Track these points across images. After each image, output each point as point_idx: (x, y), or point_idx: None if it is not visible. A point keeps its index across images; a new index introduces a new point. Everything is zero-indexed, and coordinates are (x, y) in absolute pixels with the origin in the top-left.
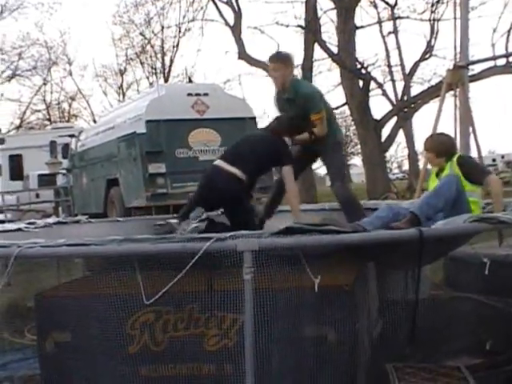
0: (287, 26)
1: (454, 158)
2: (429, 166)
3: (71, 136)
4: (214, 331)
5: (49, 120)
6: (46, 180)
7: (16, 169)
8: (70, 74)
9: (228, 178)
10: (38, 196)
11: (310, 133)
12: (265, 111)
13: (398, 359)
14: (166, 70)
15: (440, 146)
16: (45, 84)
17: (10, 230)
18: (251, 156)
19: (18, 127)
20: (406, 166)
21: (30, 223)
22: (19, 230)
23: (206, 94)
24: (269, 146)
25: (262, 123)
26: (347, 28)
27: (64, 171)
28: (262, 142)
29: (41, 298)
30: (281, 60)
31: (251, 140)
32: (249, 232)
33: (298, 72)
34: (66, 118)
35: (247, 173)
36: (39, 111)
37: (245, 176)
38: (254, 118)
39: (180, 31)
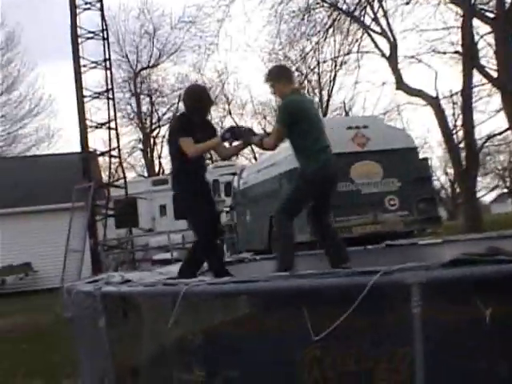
0: (444, 53)
1: None
2: None
3: (233, 174)
4: (384, 366)
5: (210, 159)
6: None
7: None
8: (230, 113)
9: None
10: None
11: (260, 139)
12: (426, 140)
13: None
14: (325, 105)
15: None
16: None
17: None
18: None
19: None
20: None
21: None
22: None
23: (365, 127)
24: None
25: (424, 153)
26: (506, 51)
27: (227, 209)
28: None
29: (210, 334)
30: (270, 77)
31: None
32: (415, 265)
33: (457, 99)
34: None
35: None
36: None
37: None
38: (416, 148)
39: (336, 65)
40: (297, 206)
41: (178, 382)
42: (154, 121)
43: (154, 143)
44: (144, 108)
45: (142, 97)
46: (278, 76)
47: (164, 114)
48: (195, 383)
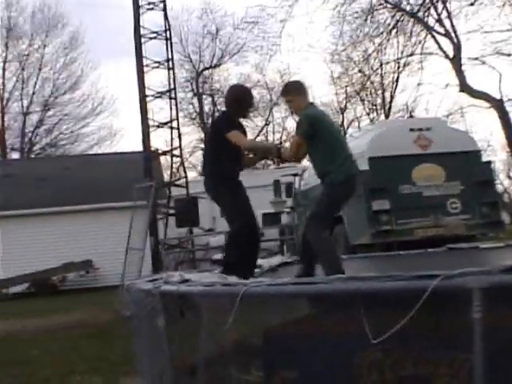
0: (509, 55)
1: None
2: None
3: (294, 175)
4: (443, 371)
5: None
6: (271, 219)
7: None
8: (291, 113)
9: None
10: (262, 235)
11: (278, 148)
12: (489, 143)
13: None
14: (387, 106)
15: None
16: (267, 124)
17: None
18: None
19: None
20: None
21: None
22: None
23: (428, 129)
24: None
25: (487, 156)
26: None
27: (288, 210)
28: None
29: (269, 335)
30: (288, 92)
31: None
32: (477, 269)
33: None
34: None
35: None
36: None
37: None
38: (479, 151)
39: (399, 66)
40: (329, 218)
41: (236, 381)
42: None
43: None
44: (206, 108)
45: (204, 97)
46: (298, 91)
47: None
48: (253, 383)
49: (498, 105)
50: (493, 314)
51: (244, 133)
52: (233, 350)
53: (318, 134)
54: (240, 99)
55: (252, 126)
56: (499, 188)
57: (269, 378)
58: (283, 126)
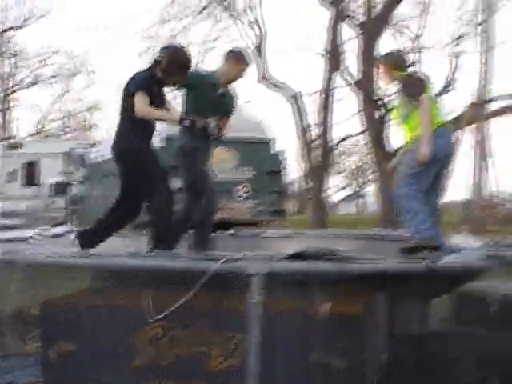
0: (311, 52)
1: None
2: None
3: (91, 145)
4: (219, 351)
5: (68, 128)
6: (62, 188)
7: (30, 175)
8: (92, 83)
9: None
10: (53, 203)
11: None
12: (284, 133)
13: None
14: None
15: None
16: (65, 93)
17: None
18: None
19: (37, 134)
20: None
21: (43, 229)
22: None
23: None
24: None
25: (281, 146)
26: (369, 56)
27: (81, 179)
28: None
29: (47, 306)
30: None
31: None
32: (259, 254)
33: (318, 97)
34: (85, 128)
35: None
36: (57, 120)
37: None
38: (269, 141)
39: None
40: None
41: (14, 350)
42: (13, 83)
43: (8, 107)
44: (6, 69)
45: (4, 57)
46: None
47: (24, 78)
48: (31, 354)
49: (294, 97)
50: (271, 299)
51: (162, 99)
52: (10, 319)
53: None
54: (184, 65)
55: (51, 93)
56: (288, 178)
57: (46, 349)
58: (82, 95)
